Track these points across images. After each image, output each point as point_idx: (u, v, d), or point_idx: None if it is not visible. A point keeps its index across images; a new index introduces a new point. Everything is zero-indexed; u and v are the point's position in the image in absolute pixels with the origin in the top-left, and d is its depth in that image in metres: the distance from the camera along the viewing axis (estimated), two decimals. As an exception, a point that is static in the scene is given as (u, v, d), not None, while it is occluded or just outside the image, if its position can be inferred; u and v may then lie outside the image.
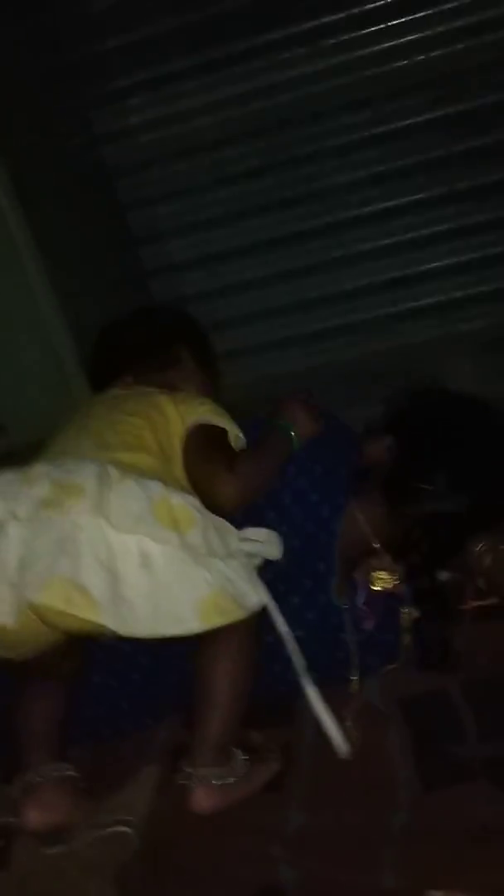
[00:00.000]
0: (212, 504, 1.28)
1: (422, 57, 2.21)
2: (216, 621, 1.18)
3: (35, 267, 1.87)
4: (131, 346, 1.61)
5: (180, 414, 1.40)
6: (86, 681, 1.42)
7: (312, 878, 1.16)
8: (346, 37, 2.21)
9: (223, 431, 1.41)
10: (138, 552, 1.15)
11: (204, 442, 1.38)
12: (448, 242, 2.38)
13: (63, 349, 1.92)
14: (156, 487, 1.22)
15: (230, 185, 2.47)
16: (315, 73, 2.24)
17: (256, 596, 1.22)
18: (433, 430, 1.44)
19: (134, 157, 2.43)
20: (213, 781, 1.26)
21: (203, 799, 1.26)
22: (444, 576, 1.49)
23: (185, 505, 1.22)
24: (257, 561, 1.28)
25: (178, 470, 1.35)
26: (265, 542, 1.29)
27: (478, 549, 1.47)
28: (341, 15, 2.18)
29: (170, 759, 1.39)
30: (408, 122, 2.26)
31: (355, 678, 1.38)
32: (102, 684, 1.43)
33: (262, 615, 1.25)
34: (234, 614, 1.19)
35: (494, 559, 1.45)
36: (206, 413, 1.41)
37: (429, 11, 2.17)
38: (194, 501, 1.25)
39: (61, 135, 2.22)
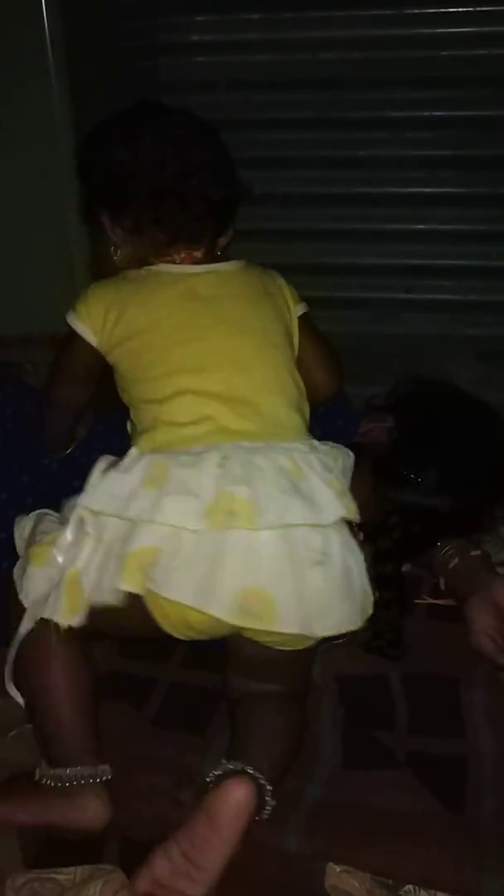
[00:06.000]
0: (327, 392, 1.39)
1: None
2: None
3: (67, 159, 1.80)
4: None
5: (294, 299, 1.39)
6: None
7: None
8: (432, 10, 2.15)
9: None
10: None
11: (313, 326, 1.40)
12: (480, 243, 2.36)
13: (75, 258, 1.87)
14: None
15: (275, 129, 2.40)
16: (393, 38, 2.19)
17: None
18: (437, 426, 1.44)
19: (188, 76, 2.35)
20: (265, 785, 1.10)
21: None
22: (405, 567, 1.50)
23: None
24: None
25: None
26: None
27: (446, 549, 1.48)
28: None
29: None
30: (474, 112, 2.22)
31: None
32: None
33: None
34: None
35: (460, 563, 1.46)
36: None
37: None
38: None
39: (123, 34, 2.14)
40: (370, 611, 1.18)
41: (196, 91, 2.37)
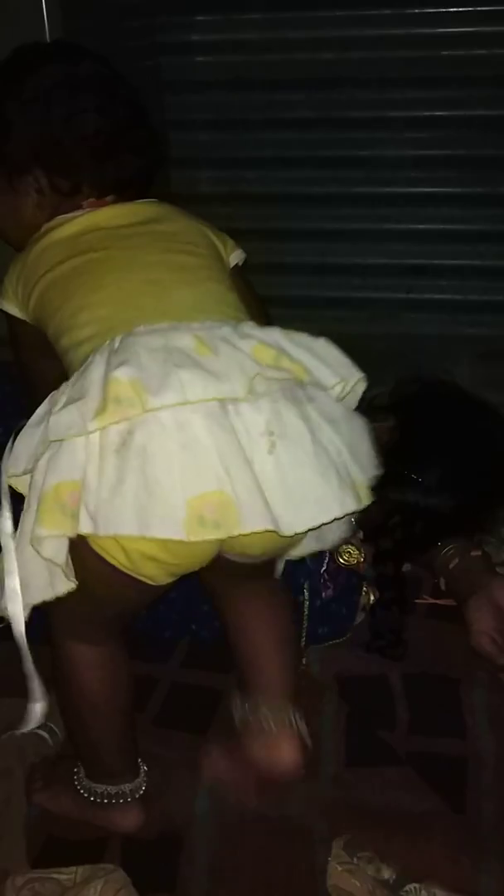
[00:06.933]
0: None
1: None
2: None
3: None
4: None
5: (230, 245, 1.22)
6: None
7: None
8: (432, 10, 2.16)
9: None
10: None
11: (249, 283, 1.23)
12: (480, 243, 2.36)
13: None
14: None
15: (276, 129, 2.40)
16: (393, 38, 2.19)
17: None
18: (439, 426, 1.44)
19: (189, 76, 2.36)
20: (297, 723, 1.09)
21: (291, 749, 1.08)
22: (406, 567, 1.50)
23: None
24: None
25: None
26: None
27: (447, 549, 1.48)
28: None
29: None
30: (474, 112, 2.22)
31: (301, 644, 1.37)
32: None
33: None
34: None
35: (460, 563, 1.46)
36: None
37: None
38: None
39: (124, 34, 2.14)
40: (365, 496, 0.98)
41: (196, 91, 2.38)
